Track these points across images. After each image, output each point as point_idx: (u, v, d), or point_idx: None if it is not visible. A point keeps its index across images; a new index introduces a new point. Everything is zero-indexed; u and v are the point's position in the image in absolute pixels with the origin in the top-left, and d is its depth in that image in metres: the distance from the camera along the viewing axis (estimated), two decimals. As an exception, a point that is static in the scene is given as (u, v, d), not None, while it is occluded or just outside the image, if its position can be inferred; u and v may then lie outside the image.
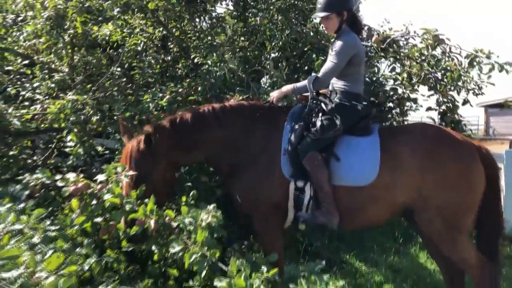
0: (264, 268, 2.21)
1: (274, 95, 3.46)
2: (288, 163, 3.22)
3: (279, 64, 4.01)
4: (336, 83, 3.39)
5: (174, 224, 2.57)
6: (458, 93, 4.41)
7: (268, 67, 4.05)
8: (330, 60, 3.26)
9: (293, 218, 3.34)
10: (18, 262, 1.58)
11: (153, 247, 2.61)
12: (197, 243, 2.35)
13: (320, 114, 3.26)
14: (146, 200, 2.59)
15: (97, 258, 2.28)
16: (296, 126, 3.27)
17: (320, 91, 3.39)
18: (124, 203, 2.59)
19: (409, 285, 4.68)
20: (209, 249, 2.36)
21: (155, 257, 2.63)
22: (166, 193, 3.33)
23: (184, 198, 3.08)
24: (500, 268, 3.39)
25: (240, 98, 3.80)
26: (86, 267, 2.13)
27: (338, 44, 3.24)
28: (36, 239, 1.91)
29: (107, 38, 4.90)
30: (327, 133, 3.18)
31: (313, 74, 3.39)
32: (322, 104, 3.30)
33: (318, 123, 3.20)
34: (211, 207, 2.59)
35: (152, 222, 2.51)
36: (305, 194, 3.21)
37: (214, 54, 4.24)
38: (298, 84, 3.36)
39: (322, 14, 3.30)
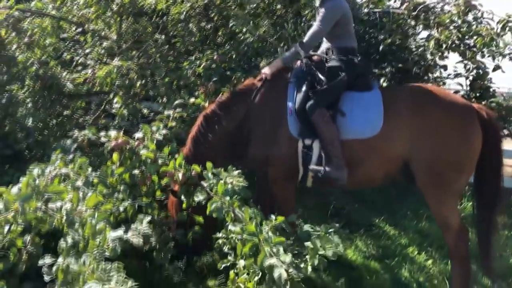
0: (272, 217, 2.49)
1: (266, 71, 3.58)
2: (296, 122, 3.39)
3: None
4: (330, 43, 3.56)
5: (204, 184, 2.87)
6: (493, 59, 4.34)
7: (288, 28, 4.20)
8: (316, 25, 3.44)
9: (302, 175, 3.52)
10: (63, 197, 1.96)
11: (182, 197, 2.94)
12: (218, 193, 2.66)
13: (321, 72, 3.41)
14: (176, 155, 2.93)
15: (131, 202, 2.65)
16: (301, 87, 3.43)
17: (315, 55, 3.57)
18: (157, 158, 2.94)
19: (433, 249, 4.84)
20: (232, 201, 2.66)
21: (184, 205, 2.98)
22: None
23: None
24: (493, 235, 3.42)
25: (267, 63, 3.99)
26: (121, 209, 2.50)
27: (323, 10, 3.41)
28: (79, 183, 2.29)
29: (152, 7, 5.22)
30: (333, 83, 3.33)
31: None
32: (323, 62, 3.49)
33: (322, 79, 3.35)
34: (235, 172, 2.87)
35: (180, 175, 2.85)
36: (313, 152, 3.37)
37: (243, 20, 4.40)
38: (286, 55, 3.55)
39: None
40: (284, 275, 2.10)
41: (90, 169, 2.46)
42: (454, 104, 3.35)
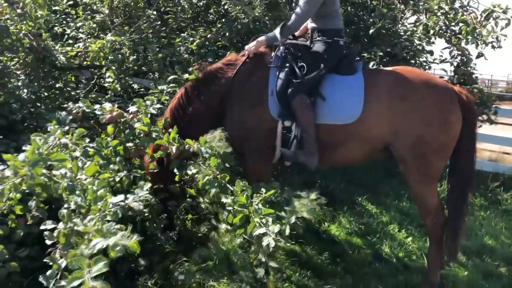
0: (263, 190, 2.61)
1: (250, 48, 3.51)
2: (276, 104, 3.35)
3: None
4: (316, 23, 3.50)
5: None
6: (476, 46, 4.46)
7: (283, 8, 4.24)
8: (300, 7, 3.35)
9: (280, 155, 3.51)
10: (65, 165, 2.05)
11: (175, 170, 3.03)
12: (210, 167, 2.75)
13: (304, 56, 3.39)
14: (170, 129, 3.01)
15: (126, 173, 2.73)
16: (282, 72, 3.38)
17: (299, 38, 3.55)
18: (151, 131, 3.02)
19: (413, 227, 5.02)
20: (220, 173, 2.76)
21: (176, 178, 3.06)
22: None
23: None
24: (464, 216, 3.48)
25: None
26: (117, 179, 2.59)
27: None
28: (77, 153, 2.37)
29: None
30: (310, 76, 3.30)
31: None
32: (309, 44, 3.47)
33: (302, 67, 3.32)
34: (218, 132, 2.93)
35: (174, 148, 2.93)
36: (291, 133, 3.36)
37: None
38: (270, 34, 3.47)
39: None
40: (273, 243, 2.23)
41: (87, 140, 2.54)
42: (436, 86, 3.36)
